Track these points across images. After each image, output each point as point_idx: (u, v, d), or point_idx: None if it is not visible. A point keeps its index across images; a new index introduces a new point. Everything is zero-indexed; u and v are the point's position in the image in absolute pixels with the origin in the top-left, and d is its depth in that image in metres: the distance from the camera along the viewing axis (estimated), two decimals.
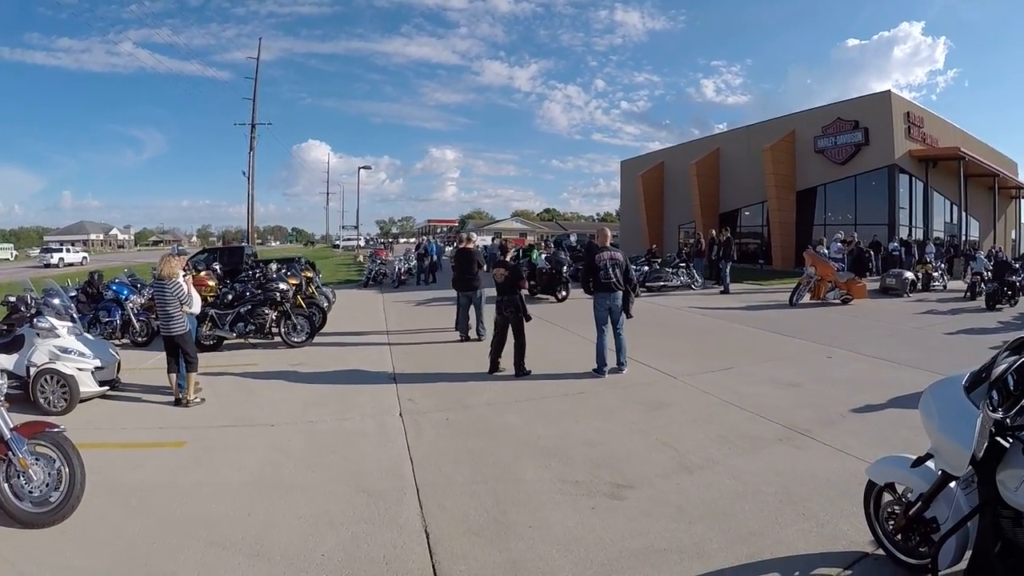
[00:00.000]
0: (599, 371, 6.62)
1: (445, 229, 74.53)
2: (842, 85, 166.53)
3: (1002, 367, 2.25)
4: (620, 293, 6.65)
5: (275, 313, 8.73)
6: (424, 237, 37.27)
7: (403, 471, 4.18)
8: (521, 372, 6.68)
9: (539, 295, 14.41)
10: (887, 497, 2.90)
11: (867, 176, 22.49)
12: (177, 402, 5.83)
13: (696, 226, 26.24)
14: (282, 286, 8.90)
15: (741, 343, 8.72)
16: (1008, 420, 2.19)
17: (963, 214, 23.53)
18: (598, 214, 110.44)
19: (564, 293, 14.21)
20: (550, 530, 3.31)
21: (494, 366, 6.87)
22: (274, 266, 11.92)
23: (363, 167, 41.97)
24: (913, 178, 22.47)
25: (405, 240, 71.25)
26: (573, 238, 29.57)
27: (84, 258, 42.40)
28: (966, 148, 22.57)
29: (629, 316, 6.87)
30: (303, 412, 5.60)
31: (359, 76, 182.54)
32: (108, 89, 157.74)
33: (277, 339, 8.74)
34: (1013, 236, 30.28)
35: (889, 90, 22.09)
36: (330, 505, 3.65)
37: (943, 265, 17.60)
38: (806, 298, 12.97)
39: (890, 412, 5.35)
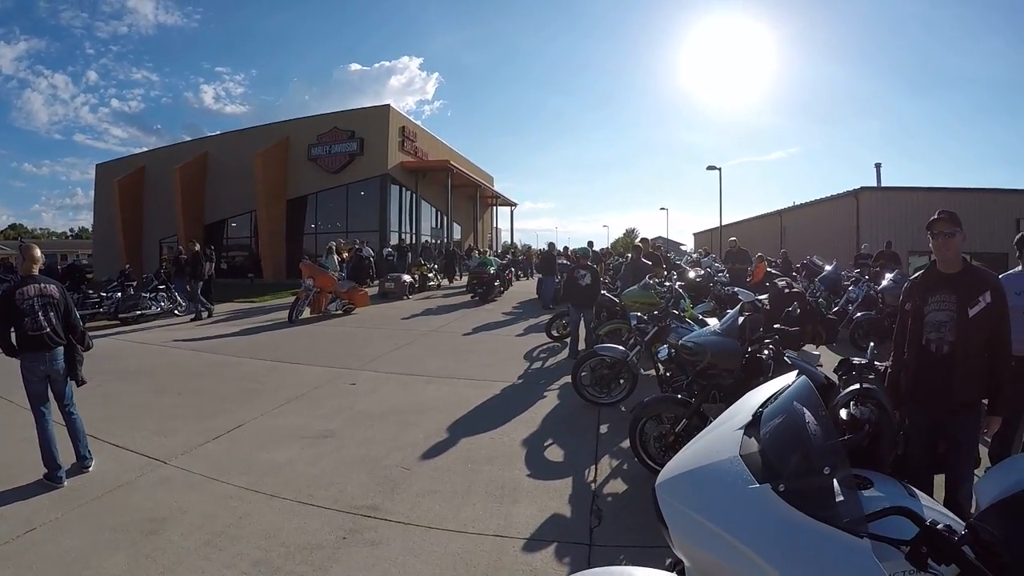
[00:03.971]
0: (52, 478, 3.95)
1: None
2: (339, 104, 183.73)
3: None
4: (60, 350, 4.09)
5: None
6: None
7: None
8: None
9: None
10: None
11: (359, 185, 23.92)
12: None
13: (179, 239, 22.73)
14: None
15: (246, 383, 6.68)
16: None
17: (448, 220, 27.89)
18: (72, 230, 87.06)
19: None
20: None
21: None
22: None
23: None
24: (403, 188, 25.21)
25: None
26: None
27: None
28: (454, 163, 26.74)
29: (80, 383, 4.26)
30: None
31: None
32: None
33: None
34: (489, 237, 38.40)
35: (389, 104, 24.19)
36: None
37: (436, 266, 19.87)
38: (306, 313, 12.02)
39: (461, 448, 4.54)
